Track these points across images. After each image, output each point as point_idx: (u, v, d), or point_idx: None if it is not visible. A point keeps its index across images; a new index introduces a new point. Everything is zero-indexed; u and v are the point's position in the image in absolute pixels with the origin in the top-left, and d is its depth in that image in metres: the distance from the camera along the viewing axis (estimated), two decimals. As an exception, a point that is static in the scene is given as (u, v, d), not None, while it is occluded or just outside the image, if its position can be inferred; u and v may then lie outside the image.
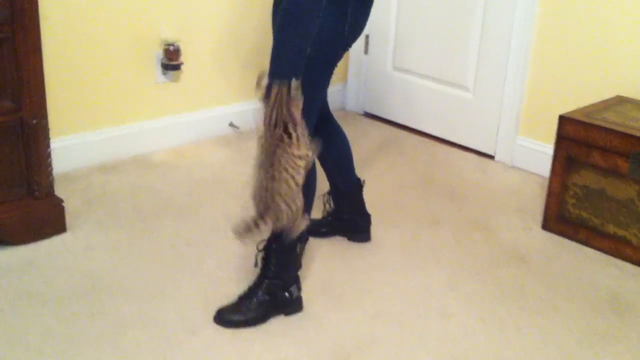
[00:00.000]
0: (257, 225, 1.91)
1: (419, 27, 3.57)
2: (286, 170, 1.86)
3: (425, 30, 3.54)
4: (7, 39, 2.31)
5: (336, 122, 2.42)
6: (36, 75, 2.38)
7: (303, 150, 1.89)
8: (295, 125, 1.86)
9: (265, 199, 1.88)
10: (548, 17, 3.07)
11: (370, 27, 3.70)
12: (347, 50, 2.16)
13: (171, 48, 3.19)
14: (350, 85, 3.94)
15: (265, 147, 1.89)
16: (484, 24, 3.29)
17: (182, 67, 3.25)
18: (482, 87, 3.38)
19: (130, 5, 3.05)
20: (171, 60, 3.21)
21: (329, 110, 2.38)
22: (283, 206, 1.88)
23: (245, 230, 1.92)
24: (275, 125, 1.85)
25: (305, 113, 1.96)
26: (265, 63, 2.07)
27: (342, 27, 2.05)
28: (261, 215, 1.91)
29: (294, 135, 1.86)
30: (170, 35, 3.20)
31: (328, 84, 2.15)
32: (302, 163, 1.89)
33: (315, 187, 2.18)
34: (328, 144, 2.28)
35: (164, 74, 3.25)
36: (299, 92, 1.87)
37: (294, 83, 1.85)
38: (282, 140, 1.85)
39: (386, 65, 3.77)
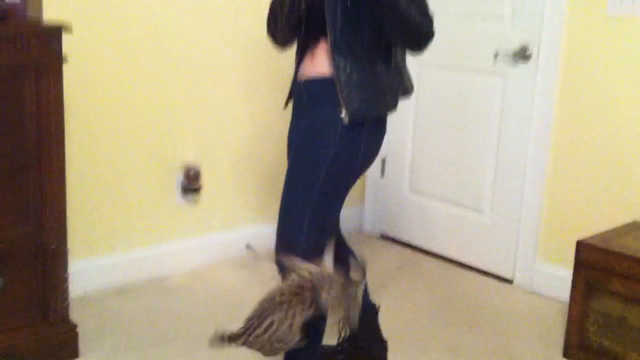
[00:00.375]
0: (230, 342, 1.92)
1: (434, 150, 3.63)
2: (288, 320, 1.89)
3: (440, 154, 3.60)
4: (33, 166, 2.37)
5: (349, 246, 2.42)
6: (59, 202, 2.43)
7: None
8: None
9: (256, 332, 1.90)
10: (562, 142, 3.12)
11: (386, 150, 3.76)
12: (361, 175, 2.20)
13: (191, 172, 3.26)
14: (367, 207, 3.97)
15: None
16: (499, 148, 3.34)
17: (202, 190, 3.31)
18: (499, 211, 3.39)
19: (152, 128, 3.14)
20: (191, 184, 3.27)
21: (342, 235, 2.39)
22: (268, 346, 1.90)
23: (217, 342, 1.92)
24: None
25: (319, 237, 2.03)
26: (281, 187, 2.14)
27: (357, 153, 2.09)
28: (240, 337, 1.91)
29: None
30: (191, 159, 3.28)
31: (341, 208, 2.17)
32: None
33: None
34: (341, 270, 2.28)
35: (184, 196, 3.29)
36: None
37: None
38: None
39: (402, 187, 3.81)
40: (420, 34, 2.03)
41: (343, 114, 2.02)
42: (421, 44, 2.08)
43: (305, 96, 2.14)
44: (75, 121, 2.85)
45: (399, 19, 1.98)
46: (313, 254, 2.05)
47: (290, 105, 2.28)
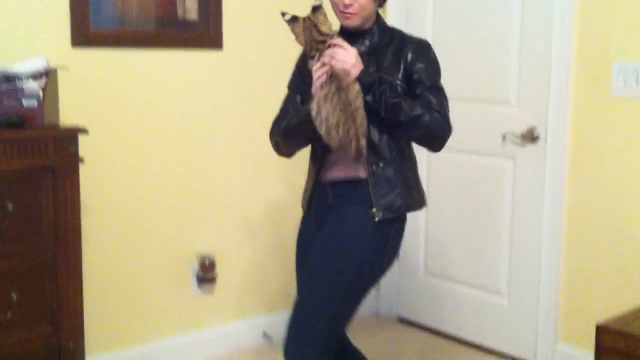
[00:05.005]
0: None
1: (448, 232, 3.63)
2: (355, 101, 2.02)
3: (454, 235, 3.60)
4: (50, 265, 2.41)
5: (350, 341, 2.39)
6: (76, 301, 2.45)
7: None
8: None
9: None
10: (576, 222, 3.12)
11: (400, 233, 3.77)
12: (387, 271, 2.24)
13: (206, 262, 3.27)
14: (383, 290, 3.95)
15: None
16: (513, 229, 3.34)
17: (217, 279, 3.31)
18: (516, 292, 3.36)
19: (166, 221, 3.17)
20: (206, 274, 3.28)
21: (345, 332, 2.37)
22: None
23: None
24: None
25: (332, 334, 2.01)
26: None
27: (385, 251, 2.14)
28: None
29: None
30: (205, 249, 3.29)
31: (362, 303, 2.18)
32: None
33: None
34: None
35: (199, 287, 3.30)
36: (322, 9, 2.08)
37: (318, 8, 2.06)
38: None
39: (418, 270, 3.79)
40: (442, 137, 2.12)
41: (374, 211, 2.06)
42: (441, 144, 2.16)
43: (331, 197, 2.18)
44: (90, 217, 2.88)
45: (423, 131, 2.09)
46: (328, 349, 2.06)
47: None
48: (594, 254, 3.07)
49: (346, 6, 2.07)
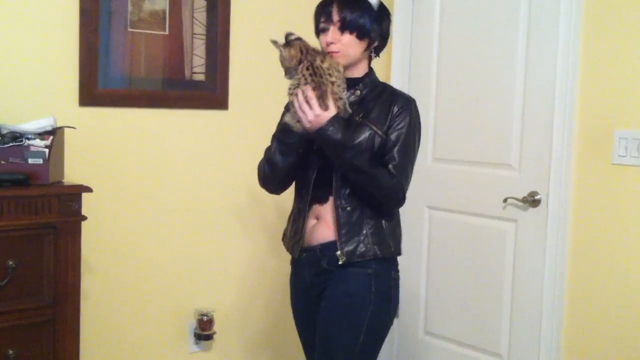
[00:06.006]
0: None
1: (448, 292, 3.61)
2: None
3: (455, 296, 3.58)
4: (48, 323, 2.40)
5: None
6: (72, 358, 2.43)
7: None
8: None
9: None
10: (577, 285, 3.11)
11: (400, 291, 3.75)
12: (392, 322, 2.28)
13: (205, 318, 3.26)
14: (381, 349, 3.89)
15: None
16: (514, 291, 3.33)
17: (215, 336, 3.29)
18: (516, 354, 3.33)
19: (167, 276, 3.17)
20: (204, 330, 3.26)
21: None
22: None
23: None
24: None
25: None
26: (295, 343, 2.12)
27: (389, 305, 2.18)
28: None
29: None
30: (204, 306, 3.28)
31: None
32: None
33: None
34: None
35: (196, 343, 3.28)
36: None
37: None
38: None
39: (417, 329, 3.77)
40: (394, 203, 2.18)
41: (339, 254, 2.08)
42: (392, 207, 2.21)
43: (325, 261, 2.18)
44: (90, 273, 2.89)
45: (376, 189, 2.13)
46: None
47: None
48: (595, 318, 3.06)
49: (328, 44, 2.15)
